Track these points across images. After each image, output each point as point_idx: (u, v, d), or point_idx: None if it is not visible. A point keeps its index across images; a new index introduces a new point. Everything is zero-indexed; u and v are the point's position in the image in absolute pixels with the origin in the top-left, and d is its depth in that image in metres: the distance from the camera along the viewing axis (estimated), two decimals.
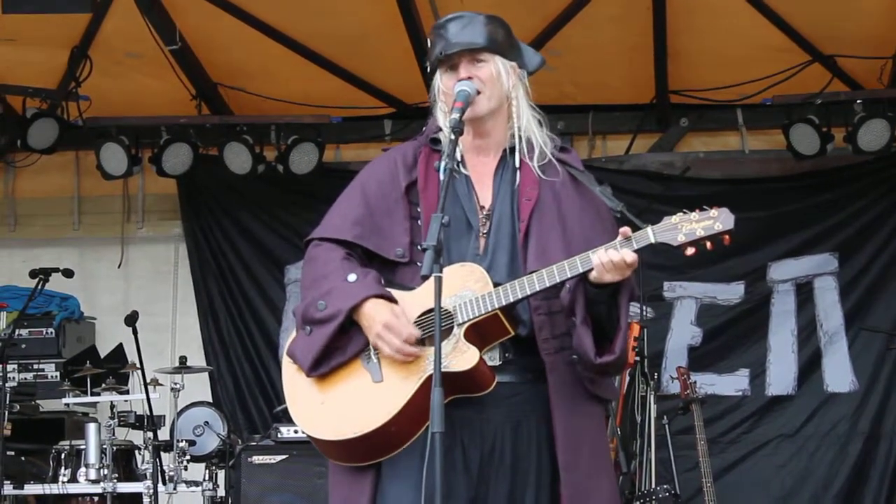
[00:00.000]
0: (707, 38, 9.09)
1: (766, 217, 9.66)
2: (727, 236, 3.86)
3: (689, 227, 3.86)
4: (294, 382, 4.04)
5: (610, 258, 3.81)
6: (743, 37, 9.05)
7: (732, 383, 9.71)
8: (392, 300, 3.95)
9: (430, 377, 3.81)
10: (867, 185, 9.70)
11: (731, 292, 9.76)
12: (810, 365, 9.67)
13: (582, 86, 9.57)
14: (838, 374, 9.63)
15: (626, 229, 3.87)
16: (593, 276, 3.84)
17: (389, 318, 3.90)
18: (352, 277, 3.98)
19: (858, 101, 9.27)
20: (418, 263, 3.93)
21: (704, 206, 3.89)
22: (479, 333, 3.89)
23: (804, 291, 9.72)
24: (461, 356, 3.84)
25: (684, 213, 3.89)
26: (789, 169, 9.73)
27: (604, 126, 10.11)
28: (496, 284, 3.91)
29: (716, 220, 3.86)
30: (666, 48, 9.01)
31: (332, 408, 3.95)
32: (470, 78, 4.04)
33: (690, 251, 3.87)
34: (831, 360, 9.66)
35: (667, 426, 8.50)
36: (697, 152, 10.06)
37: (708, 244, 3.86)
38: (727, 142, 10.08)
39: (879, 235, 9.67)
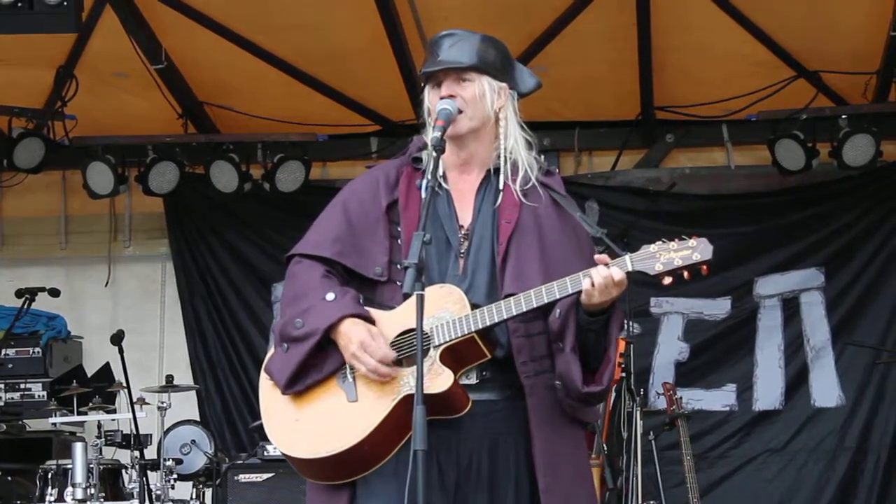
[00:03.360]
0: (692, 55, 9.12)
1: (752, 232, 9.69)
2: (705, 266, 3.85)
3: (667, 256, 3.85)
4: (270, 399, 4.04)
5: (601, 276, 3.80)
6: (728, 53, 9.08)
7: (720, 398, 9.72)
8: (369, 320, 3.94)
9: (404, 398, 3.83)
10: (853, 200, 9.72)
11: (718, 307, 9.77)
12: (797, 380, 9.68)
13: (568, 102, 9.58)
14: (825, 389, 9.65)
15: (603, 256, 3.86)
16: (583, 299, 3.84)
17: (365, 337, 3.89)
18: (330, 296, 3.97)
19: (843, 117, 9.30)
20: (397, 282, 3.94)
21: (683, 236, 3.88)
22: (455, 356, 3.88)
23: (791, 306, 9.74)
24: (436, 378, 3.83)
25: (663, 241, 3.88)
26: (775, 184, 9.75)
27: (590, 142, 10.12)
28: (475, 306, 3.90)
29: (694, 251, 3.85)
30: (651, 64, 9.03)
31: (306, 426, 3.95)
32: (452, 97, 4.04)
33: (667, 280, 3.86)
34: (818, 375, 9.67)
35: (653, 442, 8.51)
36: (683, 168, 10.07)
37: (685, 274, 3.86)
38: (713, 157, 10.10)
39: (865, 250, 9.69)
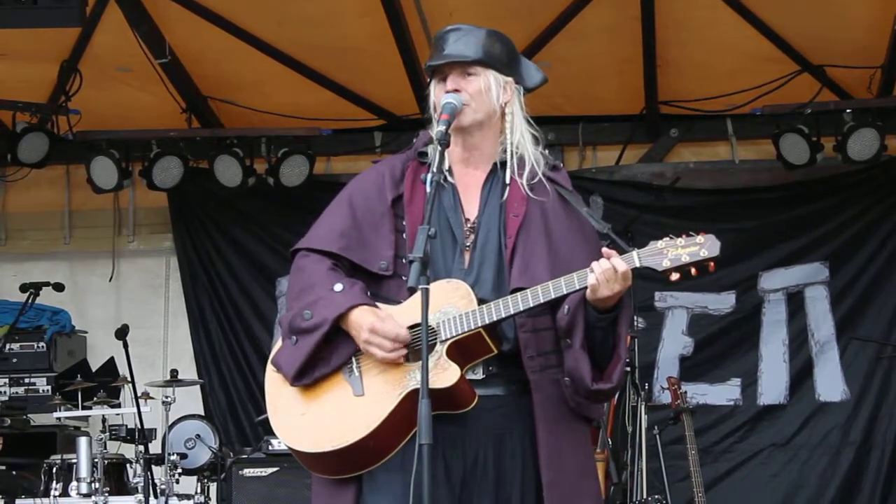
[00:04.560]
0: (696, 49, 9.10)
1: (757, 227, 9.68)
2: (712, 263, 3.85)
3: (674, 252, 3.86)
4: (277, 392, 4.05)
5: (601, 268, 3.80)
6: (732, 47, 9.06)
7: (724, 393, 9.71)
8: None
9: (410, 392, 3.83)
10: (857, 195, 9.71)
11: (723, 302, 9.76)
12: (802, 374, 9.67)
13: (572, 97, 9.57)
14: (830, 384, 9.64)
15: (610, 251, 3.85)
16: (588, 294, 3.83)
17: (375, 322, 3.89)
18: (338, 287, 3.98)
19: (848, 111, 9.28)
20: (403, 277, 3.94)
21: (691, 232, 3.88)
22: (462, 351, 3.88)
23: (795, 301, 9.73)
24: (442, 373, 3.83)
25: (670, 237, 3.88)
26: (779, 178, 9.74)
27: (594, 137, 10.11)
28: (481, 301, 3.90)
29: (702, 247, 3.85)
30: (655, 59, 9.02)
31: (312, 420, 3.96)
32: (457, 91, 4.03)
33: (675, 276, 3.86)
34: (823, 370, 9.66)
35: (658, 436, 8.51)
36: (687, 162, 10.06)
37: (693, 270, 3.86)
38: (717, 152, 10.08)
39: (870, 244, 9.68)
